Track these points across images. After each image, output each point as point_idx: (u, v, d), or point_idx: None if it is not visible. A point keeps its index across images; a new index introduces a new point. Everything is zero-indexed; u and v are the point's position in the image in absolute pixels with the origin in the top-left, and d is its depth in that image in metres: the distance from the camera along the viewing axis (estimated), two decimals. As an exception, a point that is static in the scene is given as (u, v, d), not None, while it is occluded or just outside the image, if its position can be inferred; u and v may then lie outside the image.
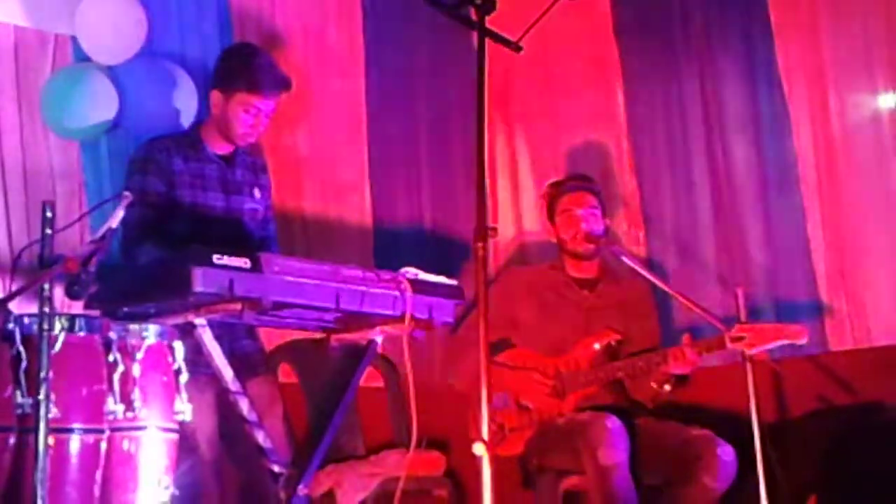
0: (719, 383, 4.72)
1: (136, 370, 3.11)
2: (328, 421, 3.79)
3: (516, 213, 5.41)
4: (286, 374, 4.86)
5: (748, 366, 4.04)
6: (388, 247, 5.26)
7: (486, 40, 3.24)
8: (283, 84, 4.11)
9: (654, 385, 4.40)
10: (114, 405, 3.05)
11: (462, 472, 4.87)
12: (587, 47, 5.48)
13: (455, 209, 5.31)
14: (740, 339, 4.11)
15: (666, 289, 4.48)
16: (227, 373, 3.47)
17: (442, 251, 5.24)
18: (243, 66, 4.06)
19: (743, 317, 4.16)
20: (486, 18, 3.23)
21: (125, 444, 3.08)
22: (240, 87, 4.01)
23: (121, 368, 3.08)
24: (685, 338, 4.31)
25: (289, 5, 5.24)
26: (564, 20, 5.18)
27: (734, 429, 4.11)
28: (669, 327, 4.94)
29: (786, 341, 4.22)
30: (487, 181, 5.19)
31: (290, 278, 3.26)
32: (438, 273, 3.72)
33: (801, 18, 5.17)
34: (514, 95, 5.50)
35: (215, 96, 4.08)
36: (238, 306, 3.18)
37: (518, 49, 3.41)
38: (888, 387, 4.70)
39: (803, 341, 4.28)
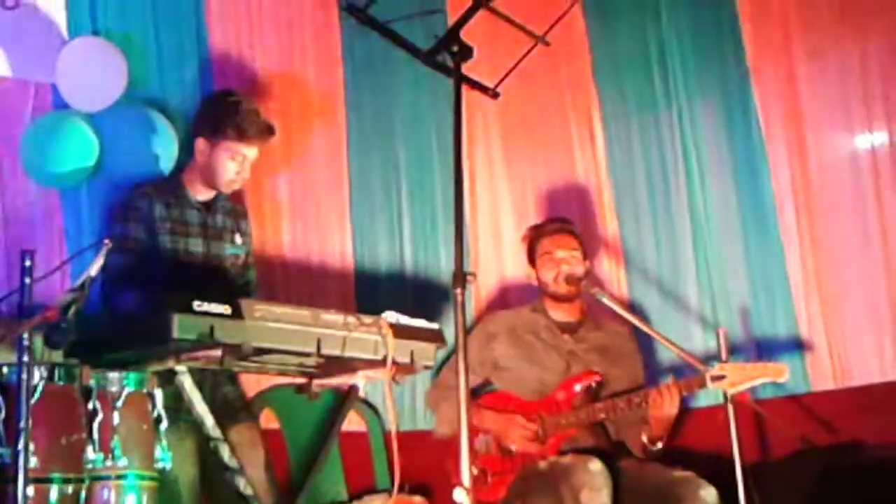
0: (701, 424, 4.72)
1: (115, 418, 3.09)
2: (310, 466, 3.78)
3: (498, 255, 5.41)
4: (268, 419, 4.85)
5: (730, 406, 4.04)
6: (369, 291, 5.25)
7: (464, 87, 3.26)
8: (269, 131, 4.15)
9: (645, 441, 4.41)
10: (93, 453, 3.03)
11: (445, 516, 4.85)
12: (566, 90, 5.50)
13: (436, 252, 5.31)
14: (721, 378, 4.12)
15: (647, 330, 4.49)
16: (208, 420, 3.46)
17: (423, 295, 5.23)
18: (230, 113, 4.08)
19: (724, 356, 4.17)
20: (463, 65, 3.25)
21: (105, 493, 3.06)
22: (227, 134, 4.04)
23: (100, 417, 3.06)
24: (670, 379, 4.32)
25: (269, 51, 5.27)
26: (543, 64, 5.22)
27: (717, 470, 4.11)
28: (652, 368, 4.94)
29: (767, 380, 4.24)
30: (468, 224, 5.26)
31: (271, 324, 3.25)
32: (419, 317, 3.72)
33: (777, 60, 5.20)
34: (495, 138, 5.51)
35: (201, 143, 4.10)
36: (219, 352, 3.17)
37: (495, 95, 3.44)
38: (869, 426, 4.70)
39: (784, 379, 4.30)
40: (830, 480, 4.40)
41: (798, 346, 4.97)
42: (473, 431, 4.53)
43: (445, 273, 5.19)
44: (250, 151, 4.09)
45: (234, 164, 4.07)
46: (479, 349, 4.67)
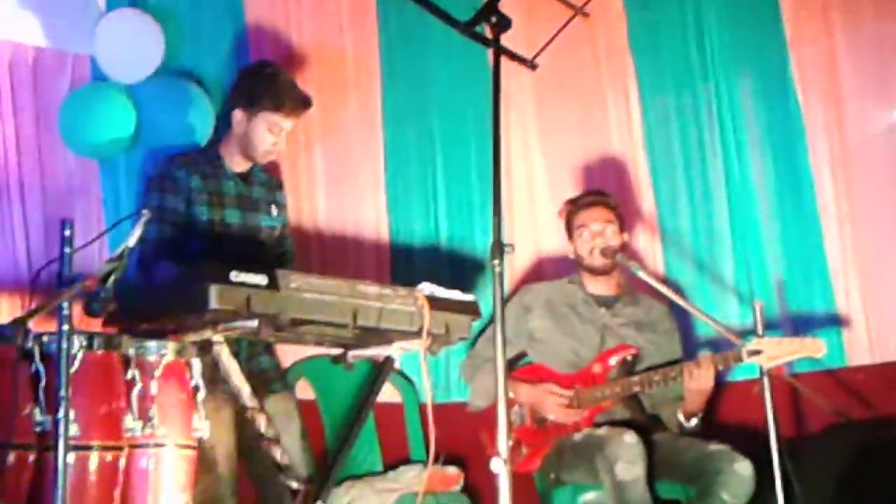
0: (737, 398, 4.72)
1: (153, 387, 3.11)
2: (346, 437, 3.80)
3: (534, 228, 5.40)
4: (304, 390, 4.87)
5: (766, 380, 4.03)
6: (405, 262, 5.27)
7: (502, 58, 3.25)
8: (306, 103, 4.16)
9: (681, 419, 4.41)
10: (132, 422, 3.05)
11: (480, 489, 4.87)
12: (603, 62, 5.47)
13: (472, 224, 5.30)
14: (758, 353, 4.11)
15: (683, 304, 4.47)
16: (245, 389, 3.48)
17: (458, 267, 5.24)
18: (268, 85, 4.09)
19: (760, 331, 4.15)
20: (502, 36, 3.24)
21: (143, 462, 3.09)
22: (265, 106, 4.05)
23: (139, 386, 3.08)
24: (707, 353, 4.32)
25: (305, 22, 5.27)
26: (580, 36, 5.20)
27: (752, 444, 4.10)
28: (688, 342, 4.93)
29: (804, 355, 4.22)
30: (504, 197, 5.23)
31: (307, 295, 3.26)
32: (455, 288, 3.72)
33: (815, 33, 5.15)
34: (532, 110, 5.50)
35: (238, 114, 4.11)
36: (255, 323, 3.18)
37: (534, 67, 3.42)
38: (906, 402, 4.69)
39: (821, 355, 4.27)
40: (866, 456, 4.38)
41: (835, 320, 4.94)
42: (509, 403, 4.54)
43: (480, 245, 5.20)
44: (287, 123, 4.11)
45: (271, 135, 4.09)
46: (515, 320, 4.67)
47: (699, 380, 4.27)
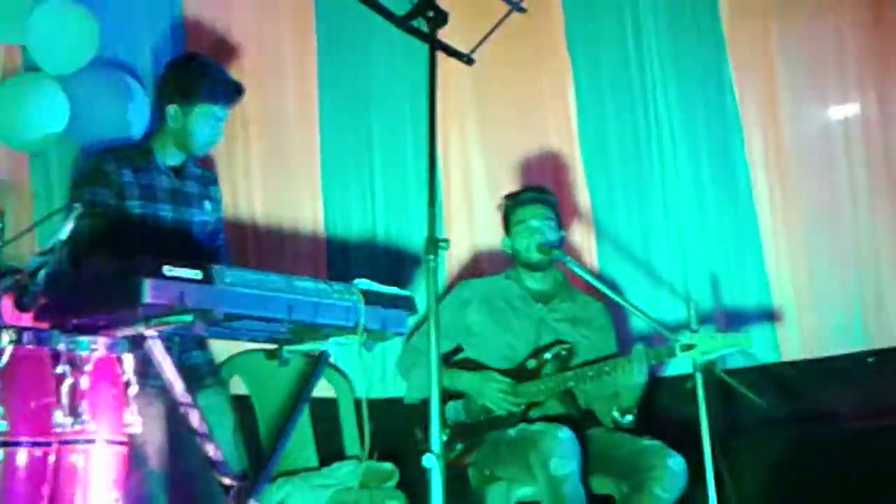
0: (670, 393, 4.75)
1: (84, 382, 3.07)
2: (280, 432, 3.78)
3: (472, 224, 5.41)
4: (238, 385, 4.84)
5: (698, 375, 4.06)
6: (342, 257, 5.25)
7: (439, 53, 3.24)
8: (239, 90, 4.12)
9: (616, 415, 4.44)
10: (62, 418, 3.01)
11: (415, 484, 4.86)
12: (541, 58, 5.49)
13: (409, 220, 5.30)
14: (691, 347, 4.14)
15: (618, 299, 4.50)
16: (178, 385, 3.44)
17: (396, 262, 5.24)
18: (201, 77, 4.05)
19: (694, 325, 4.19)
20: (438, 31, 3.23)
21: (73, 458, 3.04)
22: (201, 98, 4.01)
23: (69, 381, 3.04)
24: (637, 349, 4.35)
25: (242, 16, 5.23)
26: (519, 32, 5.20)
27: (685, 438, 4.13)
28: (623, 338, 4.96)
29: (736, 349, 4.27)
30: (442, 193, 5.25)
31: (241, 289, 3.23)
32: (392, 284, 3.71)
33: (752, 29, 5.21)
34: (471, 106, 5.50)
35: (173, 109, 4.06)
36: (189, 318, 3.15)
37: (470, 62, 3.41)
38: (838, 396, 4.75)
39: (753, 349, 4.32)
40: (798, 450, 4.44)
41: (769, 315, 5.01)
42: (446, 395, 4.54)
43: (418, 240, 5.15)
44: (224, 113, 4.07)
45: (208, 127, 4.05)
46: (452, 315, 4.68)
47: (633, 374, 4.29)
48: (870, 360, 4.85)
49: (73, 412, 3.03)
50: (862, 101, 5.04)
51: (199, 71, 4.10)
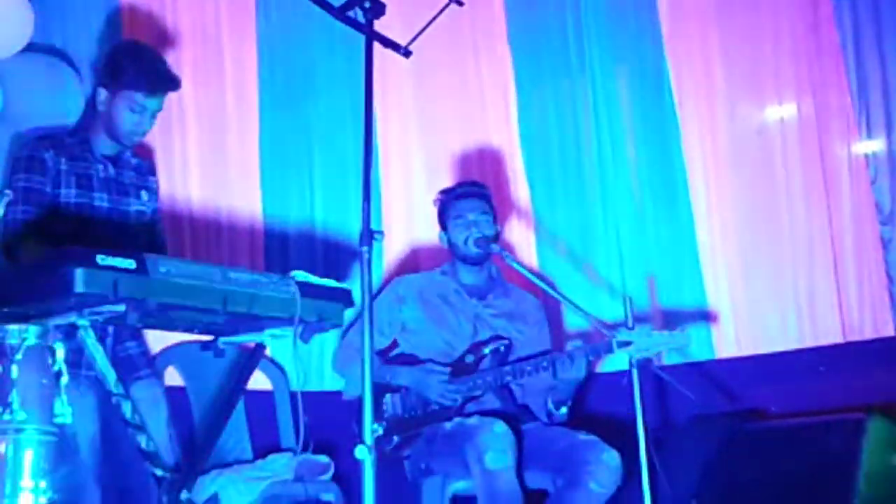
0: (606, 389, 4.78)
1: (14, 372, 3.03)
2: (215, 425, 3.75)
3: (409, 218, 5.40)
4: (172, 377, 4.81)
5: (634, 371, 4.08)
6: (279, 249, 5.23)
7: (377, 45, 3.23)
8: (171, 82, 4.05)
9: (550, 407, 4.45)
10: (-9, 407, 2.98)
11: (350, 477, 4.85)
12: (482, 53, 5.50)
13: (347, 213, 5.29)
14: (627, 344, 4.16)
15: (555, 294, 4.52)
16: (110, 375, 3.40)
17: (333, 255, 5.23)
18: (130, 63, 3.99)
19: (630, 323, 4.21)
20: (377, 23, 3.22)
21: (2, 447, 3.00)
22: (126, 84, 3.95)
23: (-2, 369, 3.01)
24: (576, 347, 4.37)
25: (180, 4, 5.18)
26: (459, 26, 5.21)
27: (620, 434, 4.15)
28: (559, 334, 4.98)
29: (672, 346, 4.30)
30: (381, 186, 5.24)
31: (176, 280, 3.20)
32: (329, 277, 3.70)
33: (691, 30, 5.25)
34: (411, 100, 5.50)
35: (101, 94, 4.01)
36: (122, 308, 3.11)
37: (407, 54, 3.41)
38: (771, 394, 4.80)
39: (687, 346, 4.36)
40: (731, 447, 4.47)
41: (704, 314, 5.05)
42: (387, 389, 4.53)
43: (356, 233, 5.14)
44: (150, 103, 3.99)
45: (133, 115, 3.98)
46: (388, 311, 4.67)
47: (571, 370, 4.31)
48: (804, 357, 4.91)
49: (2, 401, 2.99)
50: (798, 104, 5.08)
51: (129, 56, 4.05)
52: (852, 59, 4.98)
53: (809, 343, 4.93)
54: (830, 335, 4.90)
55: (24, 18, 4.36)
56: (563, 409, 4.45)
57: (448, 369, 4.50)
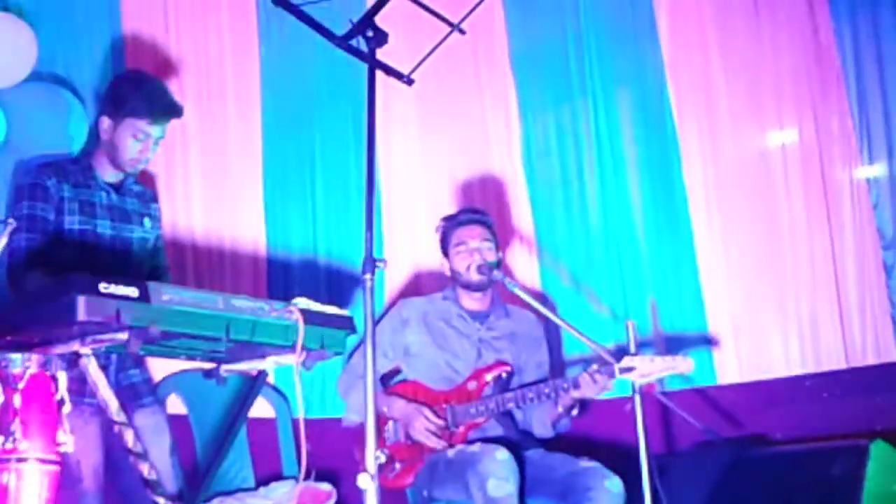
0: (609, 415, 4.76)
1: (16, 401, 3.03)
2: (217, 452, 3.75)
3: (412, 244, 5.41)
4: (175, 405, 4.80)
5: (637, 397, 4.08)
6: (282, 276, 5.23)
7: (379, 73, 3.25)
8: (173, 110, 4.07)
9: (560, 410, 4.44)
10: (-7, 436, 2.98)
11: (353, 504, 4.85)
12: (484, 79, 5.51)
13: (350, 240, 5.29)
14: (630, 369, 4.16)
15: (558, 321, 4.51)
16: (113, 403, 3.40)
17: (335, 282, 5.23)
18: (132, 91, 4.01)
19: (633, 348, 4.21)
20: (380, 51, 3.24)
21: (4, 477, 3.00)
22: (128, 112, 3.97)
23: (0, 399, 3.00)
24: (581, 376, 4.36)
25: (183, 31, 5.20)
26: (462, 53, 5.23)
27: (623, 460, 4.15)
28: (562, 359, 4.97)
29: (674, 372, 4.29)
30: (384, 213, 5.25)
31: (179, 307, 3.20)
32: (332, 304, 3.70)
33: (692, 54, 5.27)
34: (414, 126, 5.51)
35: (105, 122, 4.03)
36: (125, 336, 3.11)
37: (410, 82, 3.43)
38: (773, 420, 4.79)
39: (690, 372, 4.36)
40: (734, 472, 4.46)
41: (706, 339, 5.05)
42: (382, 419, 4.53)
43: (359, 260, 5.14)
44: (153, 130, 4.02)
45: (136, 142, 4.00)
46: (391, 334, 4.67)
47: (592, 390, 4.31)
48: (807, 383, 4.91)
49: (5, 431, 2.99)
50: (800, 128, 5.10)
51: (133, 84, 4.07)
52: (853, 83, 5.00)
53: (812, 368, 4.93)
54: (833, 360, 4.90)
55: (28, 46, 4.38)
56: (574, 412, 4.45)
57: (440, 422, 4.49)
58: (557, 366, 4.89)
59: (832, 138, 5.05)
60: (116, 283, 3.04)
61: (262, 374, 3.78)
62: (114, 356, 3.88)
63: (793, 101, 5.12)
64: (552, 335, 4.91)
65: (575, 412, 4.46)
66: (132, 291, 3.07)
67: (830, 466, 4.20)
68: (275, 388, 5.04)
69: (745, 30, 5.23)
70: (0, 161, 4.37)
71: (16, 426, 3.01)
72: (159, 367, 4.51)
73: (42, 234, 3.89)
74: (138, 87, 4.04)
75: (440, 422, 4.49)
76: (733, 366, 5.04)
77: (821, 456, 4.31)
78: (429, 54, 3.43)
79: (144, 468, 3.47)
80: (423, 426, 4.48)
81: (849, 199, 5.00)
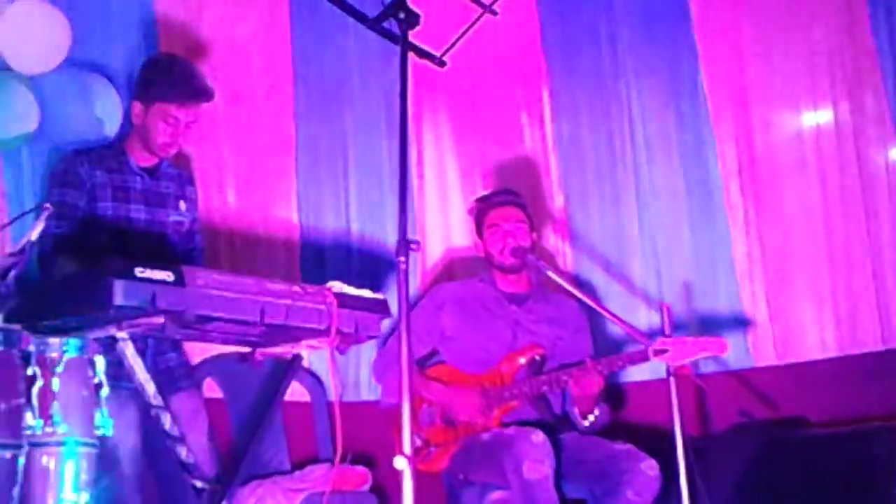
0: (644, 398, 4.76)
1: (55, 384, 3.04)
2: (253, 436, 3.76)
3: (445, 226, 5.41)
4: (211, 388, 4.82)
5: (672, 380, 4.07)
6: (315, 260, 5.23)
7: (411, 55, 3.23)
8: (204, 93, 4.08)
9: (578, 417, 4.44)
10: (32, 420, 2.99)
11: (388, 488, 4.85)
12: (515, 62, 5.50)
13: (383, 223, 5.28)
14: (664, 352, 4.15)
15: (591, 304, 4.49)
16: (150, 387, 3.42)
17: (369, 265, 5.22)
18: (163, 75, 4.03)
19: (667, 331, 4.19)
20: (411, 33, 3.23)
21: (44, 460, 3.01)
22: (159, 96, 3.98)
23: (40, 382, 3.01)
24: (587, 361, 4.35)
25: (215, 16, 5.19)
26: (494, 35, 5.21)
27: (658, 443, 4.14)
28: (600, 342, 4.96)
29: (709, 354, 4.28)
30: (416, 195, 5.24)
31: (214, 291, 3.20)
32: (365, 287, 3.70)
33: (725, 41, 5.24)
34: (444, 109, 5.50)
35: (136, 107, 4.05)
36: (160, 320, 3.11)
37: (442, 64, 3.42)
38: (809, 402, 4.77)
39: (725, 354, 4.34)
40: (769, 455, 4.45)
41: (741, 321, 5.02)
42: (419, 402, 4.54)
43: (392, 243, 5.14)
44: (184, 114, 4.02)
45: (167, 126, 4.01)
46: (426, 318, 4.67)
47: (585, 385, 4.31)
48: (861, 376, 4.88)
49: (44, 414, 3.01)
50: (834, 109, 5.06)
51: (163, 68, 4.09)
52: (889, 62, 4.95)
53: (849, 350, 4.90)
54: (870, 342, 4.87)
55: (63, 33, 4.38)
56: (591, 417, 4.44)
57: (479, 400, 4.49)
58: (598, 348, 4.85)
59: (867, 118, 5.00)
60: (152, 267, 3.05)
61: (296, 357, 3.78)
62: (150, 340, 3.90)
63: (827, 81, 5.08)
64: (593, 318, 4.87)
65: (591, 418, 4.45)
66: (168, 276, 3.08)
67: (867, 448, 4.18)
68: (309, 372, 5.05)
69: (777, 10, 5.19)
70: (35, 147, 4.39)
71: (55, 410, 3.02)
72: (196, 351, 4.52)
73: (71, 220, 3.91)
74: (168, 72, 4.05)
75: (479, 400, 4.48)
76: (769, 348, 5.02)
77: (858, 438, 4.29)
78: (461, 35, 3.42)
79: (182, 451, 3.49)
80: (465, 403, 4.47)
81: (885, 179, 4.95)
